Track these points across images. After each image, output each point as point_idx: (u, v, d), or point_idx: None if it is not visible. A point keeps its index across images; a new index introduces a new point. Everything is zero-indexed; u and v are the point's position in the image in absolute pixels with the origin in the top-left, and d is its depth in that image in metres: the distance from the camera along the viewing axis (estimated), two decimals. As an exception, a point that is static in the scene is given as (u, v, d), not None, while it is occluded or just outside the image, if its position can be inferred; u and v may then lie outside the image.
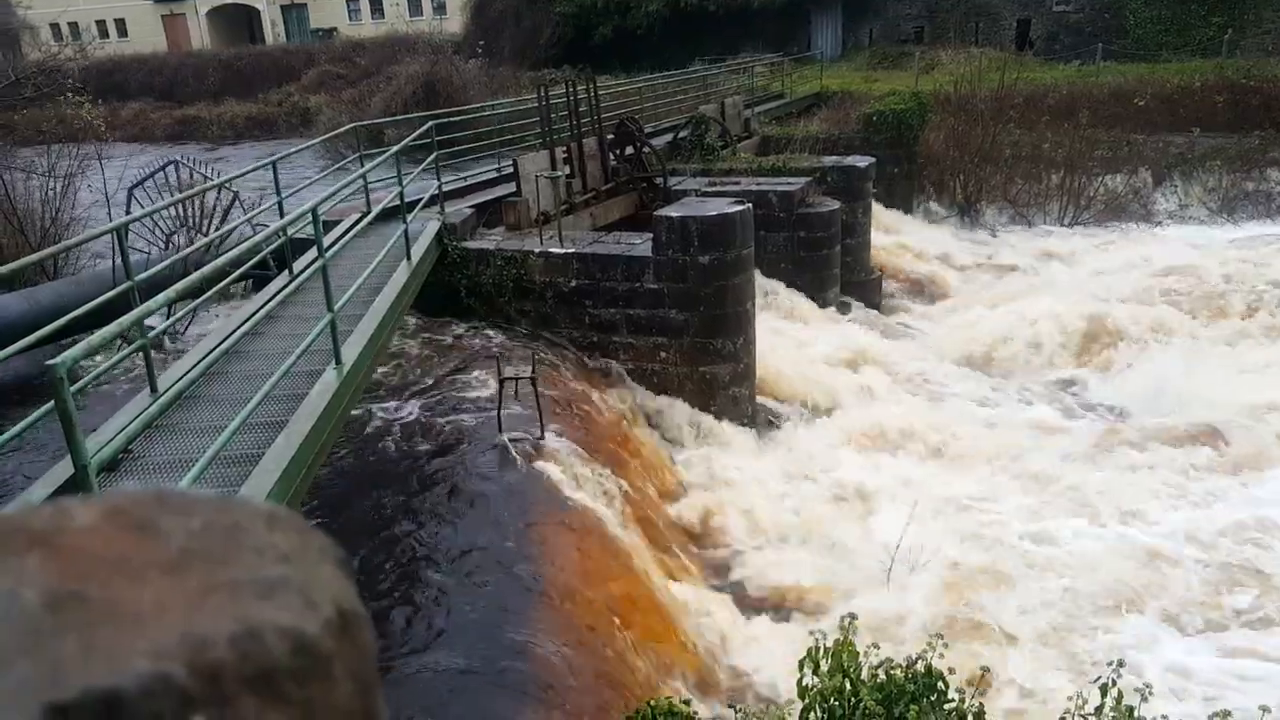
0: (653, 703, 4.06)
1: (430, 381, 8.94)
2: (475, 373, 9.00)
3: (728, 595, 7.82)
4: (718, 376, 10.50)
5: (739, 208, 10.34)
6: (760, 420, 10.93)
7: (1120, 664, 4.22)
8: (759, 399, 11.13)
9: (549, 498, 7.00)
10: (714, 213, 10.19)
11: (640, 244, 10.61)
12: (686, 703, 4.29)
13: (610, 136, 13.81)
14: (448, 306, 10.76)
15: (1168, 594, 7.93)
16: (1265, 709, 4.35)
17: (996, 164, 20.45)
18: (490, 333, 10.27)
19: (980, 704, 4.05)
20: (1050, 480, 9.95)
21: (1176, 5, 28.23)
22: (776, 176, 14.83)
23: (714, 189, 13.54)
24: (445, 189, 11.68)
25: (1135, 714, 4.00)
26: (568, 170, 12.60)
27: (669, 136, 17.22)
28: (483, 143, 15.10)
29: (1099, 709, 4.08)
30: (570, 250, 10.63)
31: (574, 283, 10.59)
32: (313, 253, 6.27)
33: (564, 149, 12.65)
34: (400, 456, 7.51)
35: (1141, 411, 11.68)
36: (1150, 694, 4.06)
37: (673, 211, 10.39)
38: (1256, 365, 12.51)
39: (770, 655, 6.66)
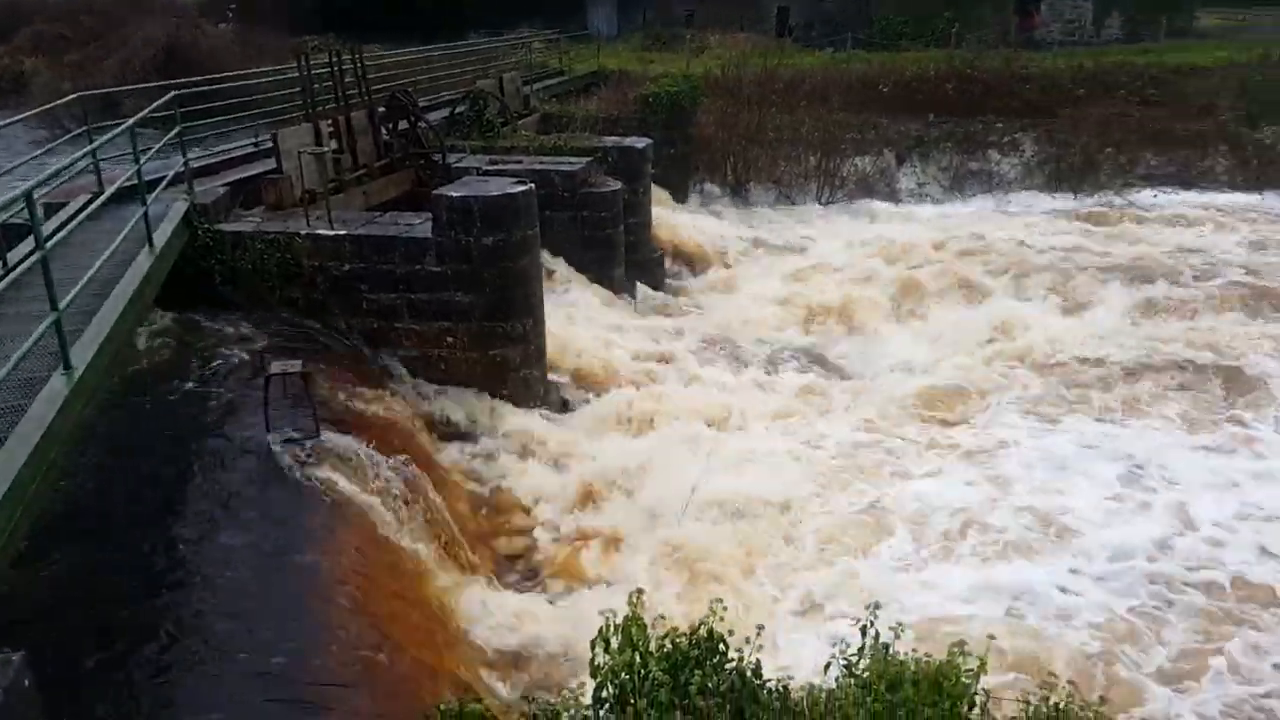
0: (443, 706, 3.95)
1: (183, 382, 8.10)
2: (236, 370, 8.30)
3: (521, 584, 7.78)
4: (508, 360, 10.34)
5: (522, 188, 10.17)
6: (554, 401, 10.92)
7: (877, 606, 4.60)
8: (552, 378, 11.14)
9: (326, 501, 6.57)
10: (496, 192, 9.96)
11: (419, 224, 10.21)
12: (479, 701, 4.23)
13: (381, 110, 13.18)
14: (202, 296, 9.77)
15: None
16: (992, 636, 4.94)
17: (762, 146, 21.51)
18: (253, 324, 9.47)
19: (757, 659, 4.27)
20: (816, 440, 10.74)
21: (912, 2, 30.93)
22: (558, 156, 14.78)
23: (495, 167, 13.27)
24: (194, 166, 10.67)
25: (890, 650, 4.38)
26: (335, 145, 11.90)
27: (446, 112, 16.72)
28: (237, 115, 13.91)
29: (860, 649, 4.43)
30: (342, 232, 10.02)
31: (347, 267, 10.02)
32: (31, 242, 5.51)
33: (330, 123, 11.92)
34: (150, 468, 6.76)
35: (885, 375, 12.83)
36: (903, 631, 4.46)
37: (453, 191, 10.07)
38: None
39: (566, 638, 6.70)
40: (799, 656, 6.42)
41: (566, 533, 8.61)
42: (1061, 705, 4.41)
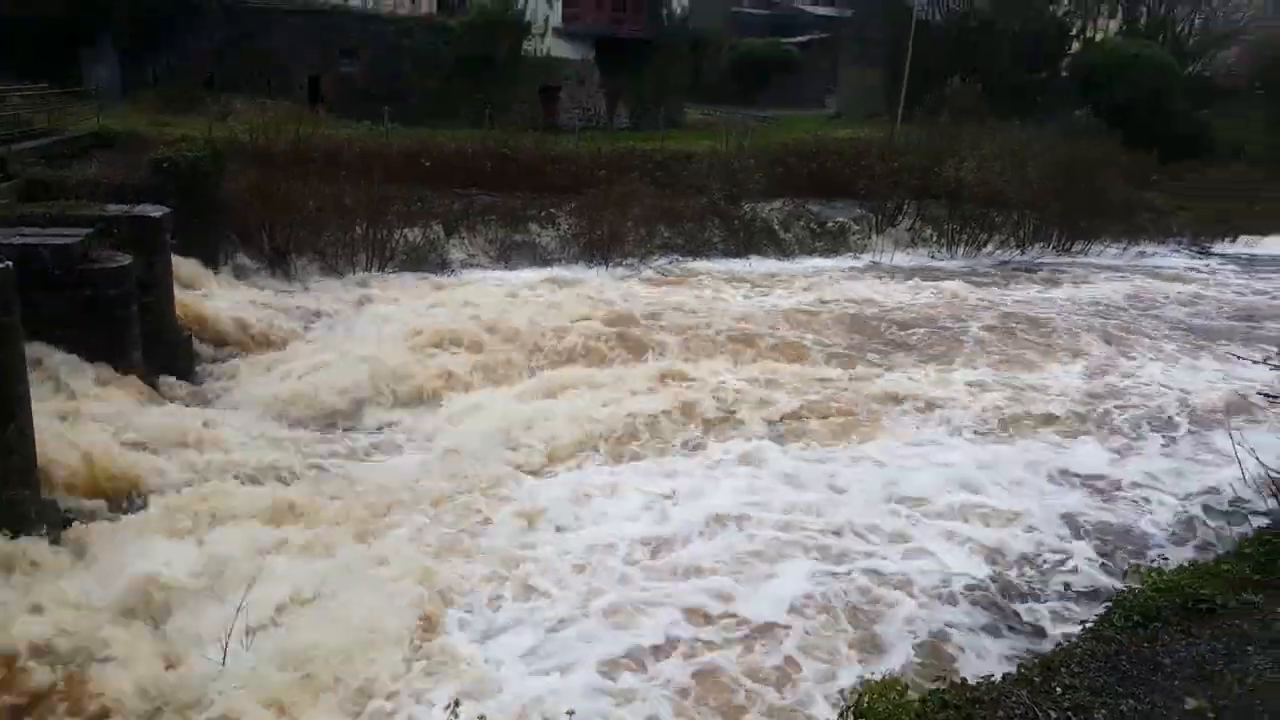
0: None
1: None
2: None
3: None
4: (-17, 478, 8.28)
5: (-10, 266, 8.35)
6: (53, 523, 8.92)
7: (457, 704, 4.45)
8: (47, 496, 9.12)
9: None
10: (-49, 273, 8.05)
11: None
12: None
13: None
14: None
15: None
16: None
17: (303, 216, 20.43)
18: None
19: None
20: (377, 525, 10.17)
21: (444, 81, 32.03)
22: (50, 227, 12.49)
23: (-43, 243, 10.76)
24: None
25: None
26: None
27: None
28: None
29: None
30: None
31: None
32: None
33: None
34: None
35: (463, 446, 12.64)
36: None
37: (-116, 272, 7.91)
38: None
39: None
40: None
41: (72, 685, 6.98)
42: None
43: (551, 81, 35.56)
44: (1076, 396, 15.60)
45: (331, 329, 17.07)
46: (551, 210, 24.80)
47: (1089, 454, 13.06)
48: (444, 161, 24.48)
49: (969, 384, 15.98)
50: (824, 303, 21.53)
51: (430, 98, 31.30)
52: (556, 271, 22.95)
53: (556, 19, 35.73)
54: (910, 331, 19.55)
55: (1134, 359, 18.40)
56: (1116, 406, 15.17)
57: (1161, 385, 16.45)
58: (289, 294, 18.58)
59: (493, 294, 19.81)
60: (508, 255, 23.59)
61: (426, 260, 22.21)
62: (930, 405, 14.79)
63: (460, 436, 12.79)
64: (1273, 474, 9.07)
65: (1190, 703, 5.82)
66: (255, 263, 19.67)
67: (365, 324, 17.34)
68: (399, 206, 22.02)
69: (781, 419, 13.97)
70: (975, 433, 13.82)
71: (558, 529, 10.33)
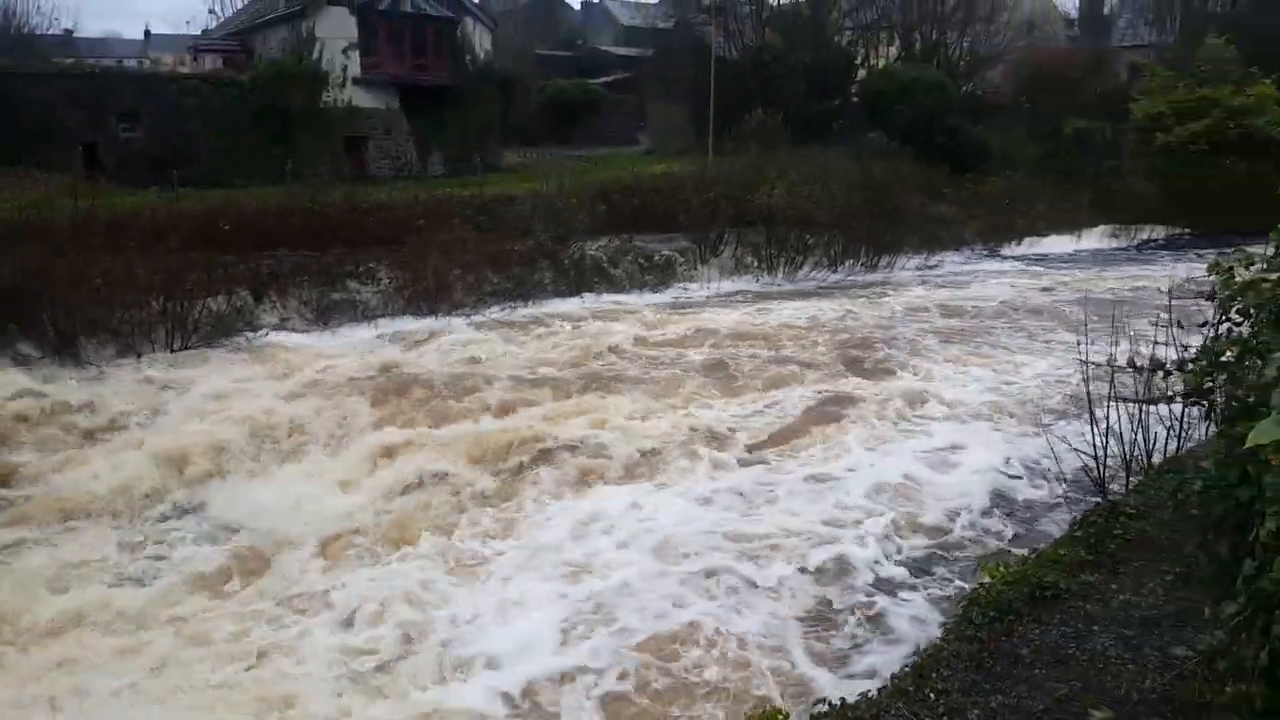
0: None
1: None
2: None
3: None
4: None
5: None
6: None
7: None
8: None
9: None
10: None
11: None
12: None
13: None
14: None
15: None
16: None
17: (90, 295, 18.50)
18: None
19: None
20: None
21: (237, 137, 30.34)
22: None
23: None
24: None
25: None
26: None
27: None
28: None
29: None
30: None
31: None
32: None
33: None
34: None
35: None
36: None
37: None
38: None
39: None
40: None
41: None
42: None
43: (356, 132, 34.52)
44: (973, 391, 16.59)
45: (125, 417, 15.37)
46: (370, 265, 23.78)
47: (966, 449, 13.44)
48: (245, 223, 22.98)
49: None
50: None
51: (223, 157, 29.58)
52: (380, 326, 21.97)
53: (356, 69, 34.76)
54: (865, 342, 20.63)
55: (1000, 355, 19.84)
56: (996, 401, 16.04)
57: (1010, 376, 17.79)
58: (78, 381, 16.72)
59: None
60: (326, 316, 22.35)
61: (233, 328, 20.66)
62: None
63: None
64: (1084, 457, 9.69)
65: (1054, 689, 5.98)
66: (39, 351, 17.64)
67: (163, 408, 15.75)
68: (199, 275, 20.36)
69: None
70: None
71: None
